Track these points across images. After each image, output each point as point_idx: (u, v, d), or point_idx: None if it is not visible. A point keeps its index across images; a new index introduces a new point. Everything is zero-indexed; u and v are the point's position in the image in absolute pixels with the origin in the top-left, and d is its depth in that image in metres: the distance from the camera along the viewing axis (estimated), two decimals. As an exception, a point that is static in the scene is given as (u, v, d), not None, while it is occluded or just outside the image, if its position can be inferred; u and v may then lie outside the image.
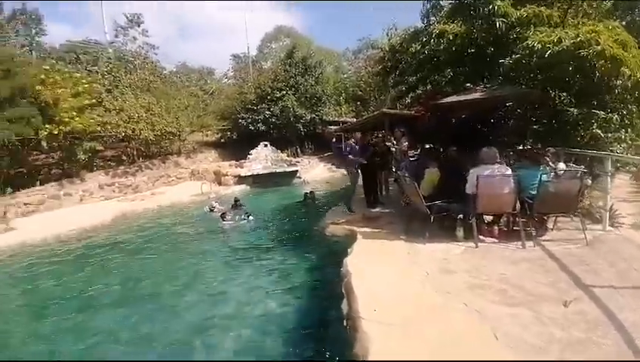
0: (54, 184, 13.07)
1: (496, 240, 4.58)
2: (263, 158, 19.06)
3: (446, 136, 6.68)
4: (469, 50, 6.09)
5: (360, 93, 28.82)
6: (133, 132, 15.57)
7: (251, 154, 18.94)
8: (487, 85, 6.08)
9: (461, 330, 2.60)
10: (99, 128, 14.06)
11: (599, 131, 4.96)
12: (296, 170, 16.97)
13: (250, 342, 3.38)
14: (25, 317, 4.55)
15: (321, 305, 3.93)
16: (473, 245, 4.43)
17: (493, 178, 4.32)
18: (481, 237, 4.58)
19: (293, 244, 6.37)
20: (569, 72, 5.19)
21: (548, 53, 4.68)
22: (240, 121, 20.27)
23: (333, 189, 14.02)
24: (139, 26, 18.82)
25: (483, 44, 5.86)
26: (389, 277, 3.73)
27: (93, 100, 14.09)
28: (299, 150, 22.02)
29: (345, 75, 30.95)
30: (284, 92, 20.24)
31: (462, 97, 5.48)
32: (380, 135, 7.89)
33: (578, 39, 4.52)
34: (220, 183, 16.36)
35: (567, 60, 4.85)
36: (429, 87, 8.79)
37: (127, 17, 18.30)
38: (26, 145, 13.12)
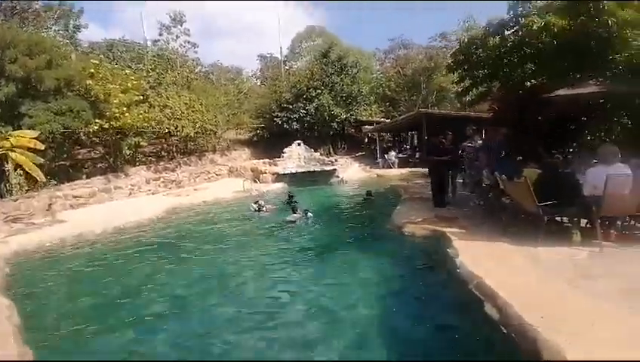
0: (101, 178, 13.33)
1: (613, 245, 4.28)
2: (296, 157, 19.02)
3: (535, 136, 6.35)
4: (569, 45, 5.74)
5: (389, 93, 28.49)
6: (176, 128, 15.77)
7: (285, 152, 18.92)
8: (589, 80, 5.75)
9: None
10: (145, 124, 14.28)
11: None
12: (335, 169, 16.82)
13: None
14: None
15: (445, 307, 3.71)
16: (593, 249, 4.16)
17: (624, 178, 4.03)
18: (595, 241, 4.30)
19: (371, 244, 6.13)
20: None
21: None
22: (275, 119, 20.27)
23: (376, 190, 13.69)
24: (181, 24, 19.12)
25: (589, 39, 5.54)
26: (525, 280, 3.50)
27: (141, 97, 14.34)
28: (331, 149, 21.89)
29: (374, 75, 30.64)
30: (320, 91, 20.14)
31: (580, 90, 5.19)
32: (450, 135, 7.58)
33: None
34: (257, 181, 16.38)
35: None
36: (495, 83, 8.42)
37: (170, 16, 18.67)
38: (70, 138, 13.35)
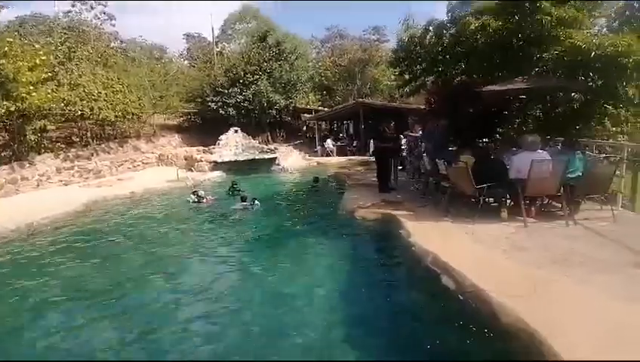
0: (5, 168, 11.20)
1: (534, 220, 4.99)
2: (233, 145, 18.25)
3: (466, 126, 7.04)
4: (501, 45, 6.41)
5: (325, 82, 28.85)
6: (91, 111, 13.83)
7: (221, 139, 18.02)
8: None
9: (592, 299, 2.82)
10: (54, 105, 12.26)
11: (609, 124, 5.70)
12: (276, 157, 16.56)
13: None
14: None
15: (404, 281, 3.98)
16: (519, 225, 4.80)
17: (544, 163, 4.70)
18: (518, 218, 5.01)
19: (325, 228, 6.18)
20: (598, 72, 5.82)
21: (593, 53, 5.23)
22: (210, 104, 19.10)
23: (320, 177, 13.61)
24: (96, -7, 16.61)
25: (521, 39, 6.27)
26: (471, 254, 3.91)
27: (49, 74, 12.26)
28: (269, 137, 21.48)
29: (309, 64, 30.67)
30: (257, 76, 19.49)
31: (508, 86, 5.86)
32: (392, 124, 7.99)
33: (618, 47, 5.15)
34: (192, 169, 15.35)
35: (607, 63, 5.43)
36: (429, 78, 9.10)
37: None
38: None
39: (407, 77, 9.04)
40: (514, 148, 6.11)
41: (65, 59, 13.98)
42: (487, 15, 6.28)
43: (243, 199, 8.15)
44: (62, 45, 14.29)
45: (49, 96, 11.58)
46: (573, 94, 6.34)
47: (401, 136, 8.40)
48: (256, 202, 8.24)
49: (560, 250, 3.91)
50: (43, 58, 11.45)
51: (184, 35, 34.45)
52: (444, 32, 7.28)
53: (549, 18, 5.82)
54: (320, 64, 27.57)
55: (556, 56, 5.92)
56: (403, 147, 8.38)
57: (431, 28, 7.58)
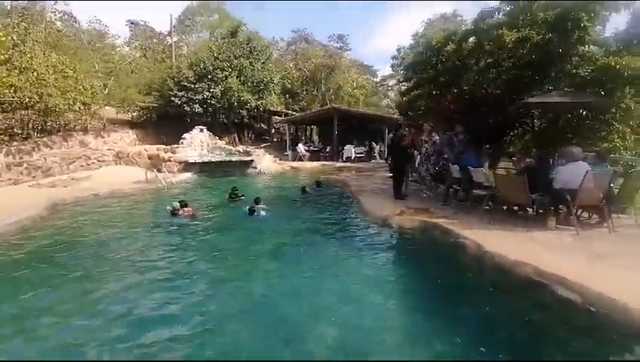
0: None
1: (581, 229, 5.24)
2: (198, 144, 16.99)
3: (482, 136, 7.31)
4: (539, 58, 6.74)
5: (289, 86, 28.45)
6: (40, 97, 11.69)
7: (185, 138, 16.64)
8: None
9: None
10: (5, 91, 10.11)
11: (618, 140, 6.38)
12: (252, 160, 15.68)
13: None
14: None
15: (515, 296, 3.77)
16: (570, 233, 5.04)
17: (596, 174, 5.02)
18: (559, 226, 5.31)
19: (373, 240, 5.61)
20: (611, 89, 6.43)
21: (625, 73, 5.78)
22: (173, 99, 17.45)
23: (296, 183, 12.85)
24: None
25: (561, 54, 6.64)
26: (561, 263, 3.93)
27: (5, 56, 10.09)
28: (236, 138, 20.39)
29: (271, 65, 30.01)
30: (227, 72, 18.37)
31: (548, 99, 6.19)
32: (407, 130, 8.01)
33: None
34: (160, 169, 13.77)
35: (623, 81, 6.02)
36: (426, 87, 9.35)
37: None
38: None
39: (412, 84, 9.16)
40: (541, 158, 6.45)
41: (19, 42, 11.68)
42: (525, 28, 6.64)
43: (257, 201, 7.41)
44: (17, 26, 11.97)
45: (3, 80, 9.49)
46: (582, 111, 6.96)
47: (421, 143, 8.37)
48: (262, 213, 7.43)
49: (635, 254, 4.18)
50: (2, 39, 9.36)
51: (127, 21, 31.30)
52: (465, 42, 7.54)
53: (589, 37, 6.38)
54: (287, 67, 27.06)
55: (590, 72, 6.47)
56: (418, 154, 8.45)
57: (453, 37, 7.79)
